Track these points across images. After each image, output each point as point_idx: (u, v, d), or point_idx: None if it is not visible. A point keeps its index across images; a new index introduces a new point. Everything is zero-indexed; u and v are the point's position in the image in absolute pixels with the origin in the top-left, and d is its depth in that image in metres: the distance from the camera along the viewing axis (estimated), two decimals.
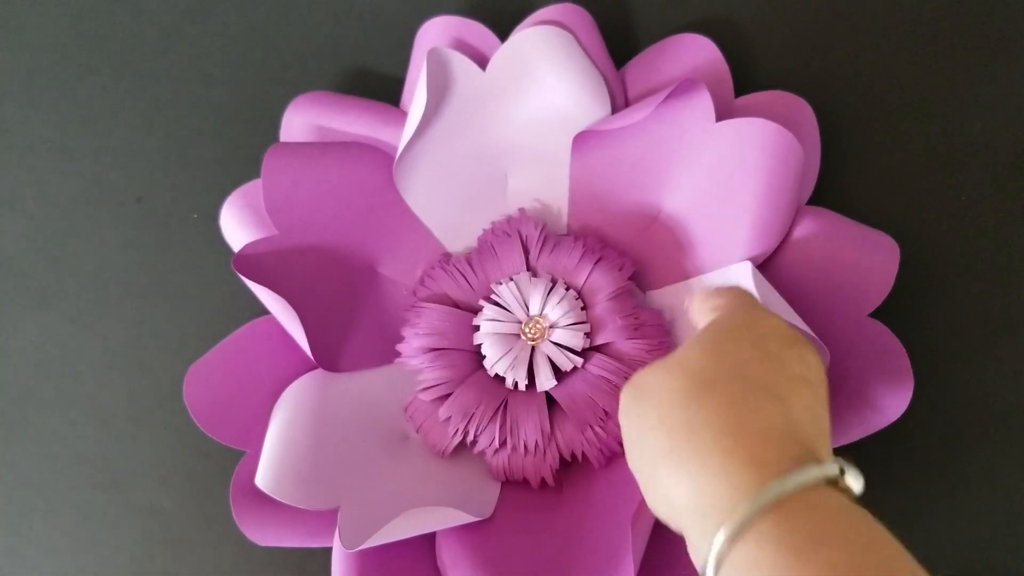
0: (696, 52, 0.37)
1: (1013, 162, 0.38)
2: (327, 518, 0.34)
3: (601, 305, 0.36)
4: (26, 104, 0.41)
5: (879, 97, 0.39)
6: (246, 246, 0.35)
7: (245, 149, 0.39)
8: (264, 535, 0.34)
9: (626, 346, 0.35)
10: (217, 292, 0.38)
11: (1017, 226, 0.38)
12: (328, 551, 0.34)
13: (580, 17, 0.37)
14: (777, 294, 0.32)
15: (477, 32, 0.37)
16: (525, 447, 0.35)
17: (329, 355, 0.36)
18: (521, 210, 0.37)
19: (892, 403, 0.34)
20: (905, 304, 0.36)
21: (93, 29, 0.41)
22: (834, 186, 0.37)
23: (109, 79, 0.41)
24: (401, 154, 0.36)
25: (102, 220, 0.40)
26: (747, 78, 0.38)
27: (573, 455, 0.35)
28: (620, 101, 0.37)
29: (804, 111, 0.36)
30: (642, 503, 0.30)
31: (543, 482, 0.35)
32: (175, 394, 0.37)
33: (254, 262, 0.35)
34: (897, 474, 0.36)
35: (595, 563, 0.32)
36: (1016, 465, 0.36)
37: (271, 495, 0.32)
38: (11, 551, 0.38)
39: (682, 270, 0.36)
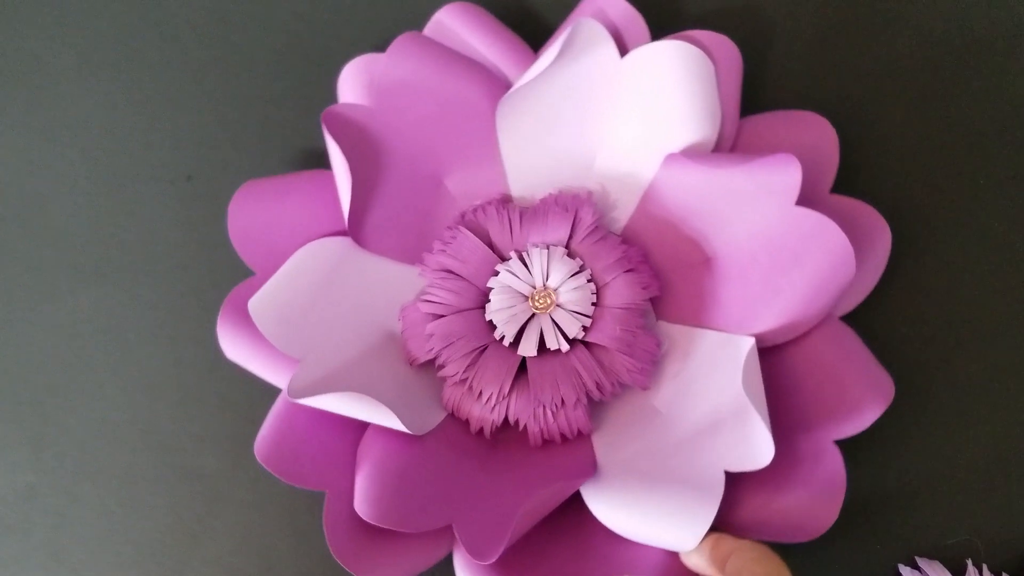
0: (815, 133, 0.38)
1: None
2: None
3: (610, 310, 0.37)
4: (79, 85, 0.43)
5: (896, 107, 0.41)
6: (341, 105, 0.38)
7: (292, 127, 0.41)
8: None
9: (612, 356, 0.36)
10: None
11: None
12: None
13: (729, 52, 0.37)
14: (760, 381, 0.33)
15: (631, 20, 0.38)
16: (480, 393, 0.37)
17: (362, 226, 0.38)
18: (589, 193, 0.39)
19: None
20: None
21: (144, 13, 0.43)
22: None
23: (159, 61, 0.43)
24: (512, 92, 0.37)
25: (153, 197, 0.42)
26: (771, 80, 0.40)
27: (517, 423, 0.37)
28: (727, 145, 0.38)
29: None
30: (542, 499, 0.32)
31: (480, 431, 0.37)
32: (219, 363, 0.39)
33: (340, 121, 0.37)
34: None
35: (479, 522, 0.34)
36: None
37: (253, 318, 0.35)
38: (62, 511, 0.39)
39: (698, 317, 0.37)
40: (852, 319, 0.37)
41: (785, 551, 0.32)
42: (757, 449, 0.32)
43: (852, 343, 0.36)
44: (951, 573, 0.36)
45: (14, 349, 0.41)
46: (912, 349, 0.39)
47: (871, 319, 0.38)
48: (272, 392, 0.38)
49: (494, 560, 0.32)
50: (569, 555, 0.35)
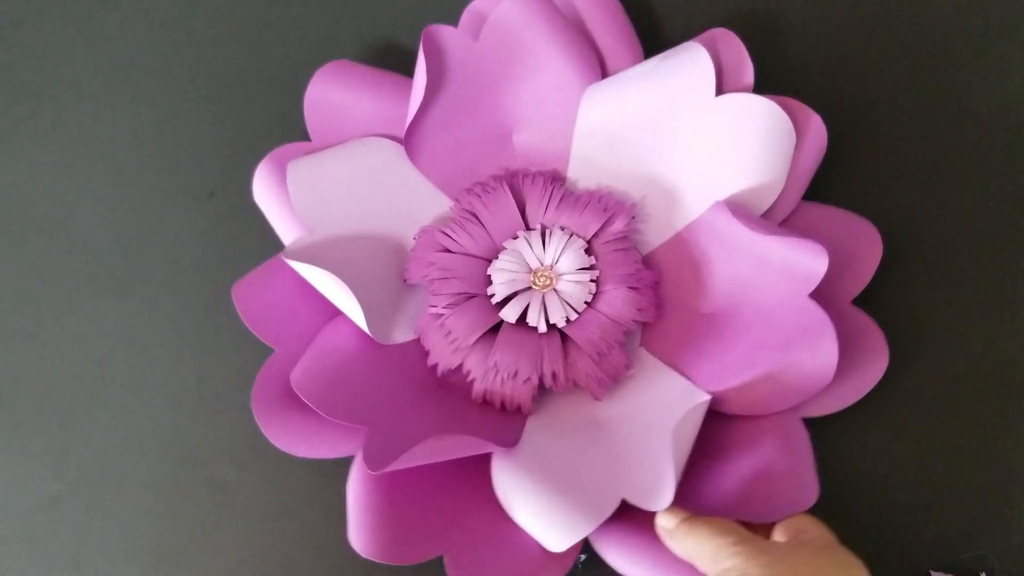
0: (864, 241, 0.38)
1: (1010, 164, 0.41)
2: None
3: (598, 315, 0.38)
4: (105, 104, 0.44)
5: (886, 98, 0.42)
6: (445, 28, 0.39)
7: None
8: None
9: (579, 356, 0.38)
10: None
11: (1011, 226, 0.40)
12: None
13: (817, 130, 0.38)
14: (693, 436, 0.34)
15: (740, 60, 0.38)
16: (449, 332, 0.38)
17: (418, 140, 0.40)
18: (632, 204, 0.39)
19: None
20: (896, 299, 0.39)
21: (170, 35, 0.44)
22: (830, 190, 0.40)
23: (184, 81, 0.44)
24: (604, 83, 0.39)
25: (177, 213, 0.42)
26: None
27: (468, 374, 0.38)
28: (778, 218, 0.38)
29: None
30: (449, 443, 0.34)
31: (435, 367, 0.39)
32: (242, 375, 0.40)
33: (437, 41, 0.39)
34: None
35: (388, 435, 0.35)
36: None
37: (288, 170, 0.38)
38: (87, 522, 0.40)
39: (675, 358, 0.38)
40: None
41: None
42: (659, 493, 0.33)
43: (798, 444, 0.35)
44: None
45: (39, 361, 0.41)
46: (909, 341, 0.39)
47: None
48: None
49: (378, 474, 0.33)
50: (458, 515, 0.36)
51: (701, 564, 0.31)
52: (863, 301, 0.38)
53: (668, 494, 0.32)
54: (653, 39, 0.42)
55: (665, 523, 0.33)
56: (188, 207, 0.42)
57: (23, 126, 0.44)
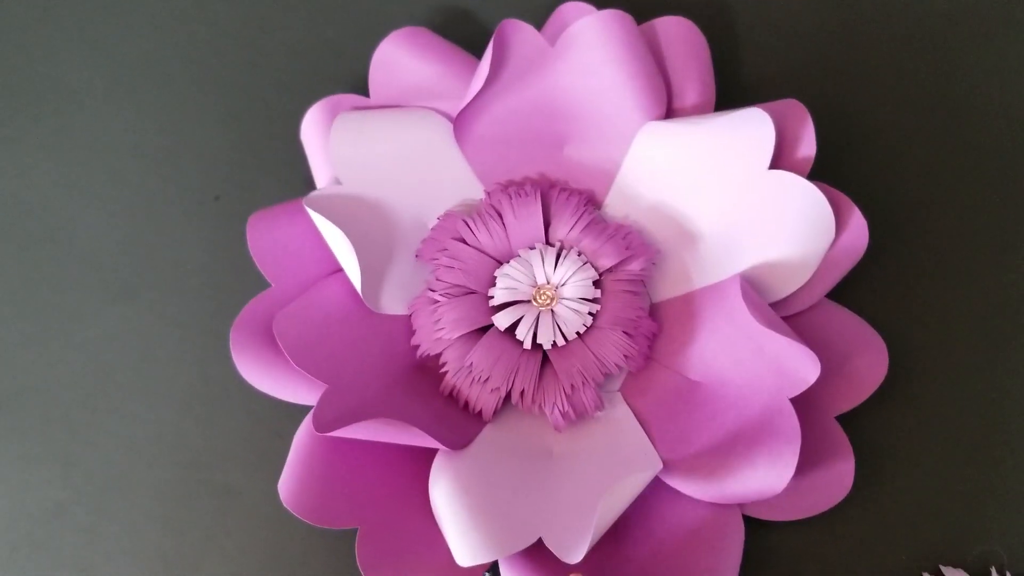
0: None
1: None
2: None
3: (583, 347, 0.38)
4: (108, 111, 0.44)
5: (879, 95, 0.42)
6: (523, 25, 0.38)
7: None
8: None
9: (555, 378, 0.37)
10: None
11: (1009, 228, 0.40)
12: None
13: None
14: (619, 512, 0.33)
15: (806, 142, 0.38)
16: (437, 321, 0.38)
17: (471, 121, 0.39)
18: (657, 250, 0.39)
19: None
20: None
21: (172, 40, 0.44)
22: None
23: (187, 87, 0.44)
24: (666, 122, 0.38)
25: (181, 218, 0.42)
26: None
27: (443, 364, 0.38)
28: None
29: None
30: (398, 426, 0.33)
31: (416, 348, 0.39)
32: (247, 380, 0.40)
33: (514, 33, 0.38)
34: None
35: (344, 397, 0.36)
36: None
37: (334, 118, 0.38)
38: (92, 528, 0.40)
39: (649, 415, 0.37)
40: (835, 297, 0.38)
41: (807, 562, 0.33)
42: (573, 548, 0.32)
43: (731, 544, 0.35)
44: None
45: (44, 368, 0.41)
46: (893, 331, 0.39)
47: (852, 301, 0.39)
48: (299, 408, 0.38)
49: (322, 434, 0.33)
50: (388, 497, 0.36)
51: None
52: (859, 296, 0.38)
53: (580, 552, 0.32)
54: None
55: None
56: (192, 212, 0.42)
57: (25, 134, 0.44)
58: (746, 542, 0.35)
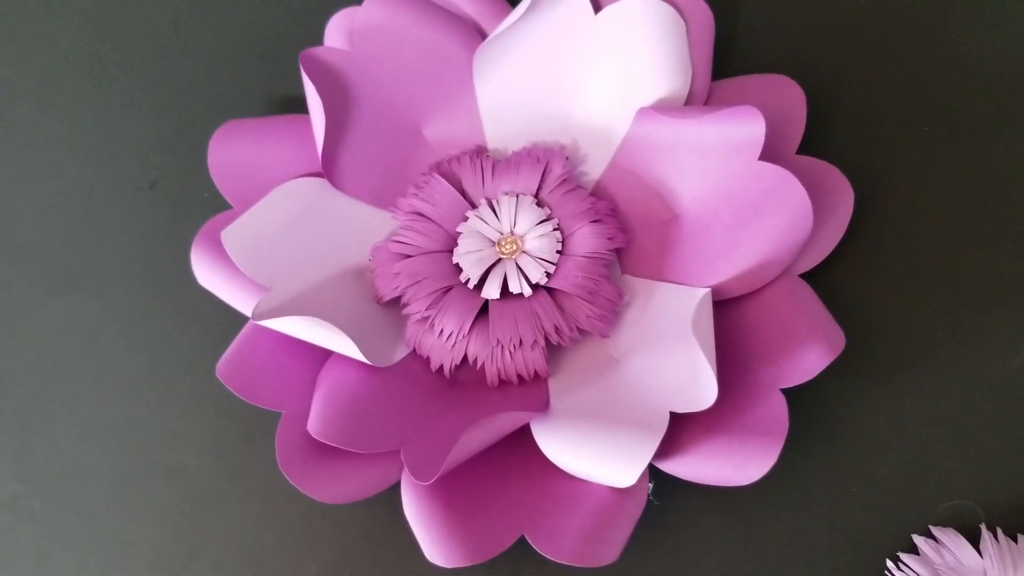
0: (783, 94, 0.39)
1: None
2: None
3: (574, 258, 0.38)
4: (43, 104, 0.44)
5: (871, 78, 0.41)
6: (319, 48, 0.39)
7: None
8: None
9: (573, 302, 0.38)
10: None
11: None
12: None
13: (701, 11, 0.39)
14: (711, 327, 0.34)
15: None
16: (441, 331, 0.38)
17: (337, 167, 0.39)
18: (561, 147, 0.40)
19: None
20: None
21: (103, 32, 0.44)
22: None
23: (119, 78, 0.44)
24: (487, 43, 0.38)
25: (118, 207, 0.43)
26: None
27: (475, 362, 0.38)
28: (698, 103, 0.39)
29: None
30: (486, 426, 0.33)
31: (440, 369, 0.38)
32: (195, 361, 0.41)
33: (318, 63, 0.39)
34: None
35: (425, 446, 0.35)
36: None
37: (225, 246, 0.36)
38: (49, 517, 0.40)
39: (660, 272, 0.38)
40: (813, 277, 0.38)
41: (787, 537, 0.34)
42: (701, 391, 0.33)
43: (806, 297, 0.36)
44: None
45: None
46: (872, 307, 0.39)
47: (832, 277, 0.39)
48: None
49: (431, 481, 0.33)
50: (520, 493, 0.36)
51: None
52: (833, 269, 0.38)
53: (712, 388, 0.32)
54: None
55: None
56: (129, 199, 0.43)
57: None
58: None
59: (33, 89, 0.44)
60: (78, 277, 0.42)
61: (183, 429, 0.40)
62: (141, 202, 0.43)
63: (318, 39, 0.42)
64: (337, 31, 0.41)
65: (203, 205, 0.42)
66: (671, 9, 0.38)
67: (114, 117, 0.43)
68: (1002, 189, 0.40)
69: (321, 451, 0.35)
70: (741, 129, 0.35)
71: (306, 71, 0.38)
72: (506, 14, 0.40)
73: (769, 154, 0.35)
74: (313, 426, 0.35)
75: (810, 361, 0.35)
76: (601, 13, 0.38)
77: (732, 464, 0.34)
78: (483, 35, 0.40)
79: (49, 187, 0.43)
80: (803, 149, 0.39)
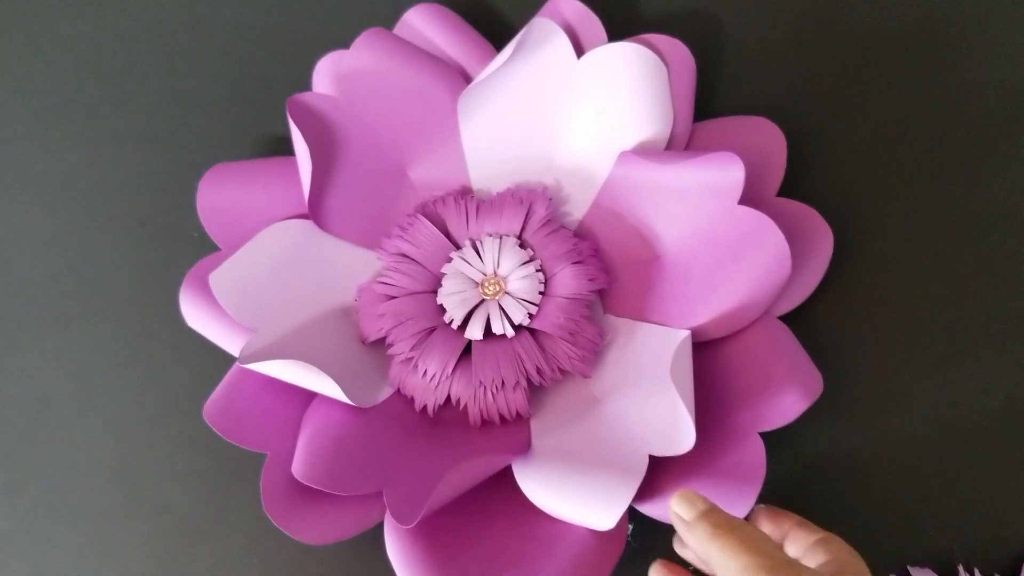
0: (763, 136, 0.39)
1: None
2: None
3: (556, 299, 0.39)
4: (36, 144, 0.45)
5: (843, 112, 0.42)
6: (307, 93, 0.40)
7: None
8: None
9: (554, 343, 0.38)
10: None
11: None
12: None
13: (682, 56, 0.39)
14: (689, 371, 0.34)
15: (586, 20, 0.40)
16: (424, 372, 0.38)
17: (323, 210, 0.40)
18: (544, 188, 0.40)
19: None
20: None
21: (94, 73, 0.45)
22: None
23: (110, 117, 0.45)
24: (473, 87, 0.39)
25: (110, 245, 0.43)
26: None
27: (459, 402, 0.38)
28: (679, 146, 0.39)
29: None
30: (468, 469, 0.34)
31: (424, 409, 0.39)
32: (183, 400, 0.41)
33: (305, 108, 0.39)
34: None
35: (408, 488, 0.35)
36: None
37: (213, 290, 0.37)
38: (38, 555, 0.40)
39: (642, 312, 0.39)
40: (793, 317, 0.38)
41: None
42: (680, 435, 0.33)
43: (785, 340, 0.37)
44: None
45: None
46: (851, 348, 0.40)
47: (811, 317, 0.39)
48: None
49: (413, 524, 0.33)
50: (501, 534, 0.36)
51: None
52: (812, 309, 0.39)
53: (689, 433, 0.33)
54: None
55: (682, 512, 0.29)
56: (121, 238, 0.43)
57: None
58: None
59: (26, 129, 0.45)
60: (69, 316, 0.43)
61: (170, 467, 0.41)
62: (132, 241, 0.43)
63: (306, 81, 0.43)
64: (324, 74, 0.42)
65: (193, 244, 0.42)
66: (652, 54, 0.38)
67: (105, 158, 0.44)
68: (979, 232, 0.40)
69: (305, 492, 0.36)
70: (721, 174, 0.36)
71: (293, 117, 0.38)
72: (491, 58, 0.41)
73: (750, 196, 0.36)
74: (298, 469, 0.35)
75: (788, 406, 0.35)
76: (584, 58, 0.39)
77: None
78: (468, 79, 0.41)
79: (41, 226, 0.44)
80: (784, 191, 0.39)
